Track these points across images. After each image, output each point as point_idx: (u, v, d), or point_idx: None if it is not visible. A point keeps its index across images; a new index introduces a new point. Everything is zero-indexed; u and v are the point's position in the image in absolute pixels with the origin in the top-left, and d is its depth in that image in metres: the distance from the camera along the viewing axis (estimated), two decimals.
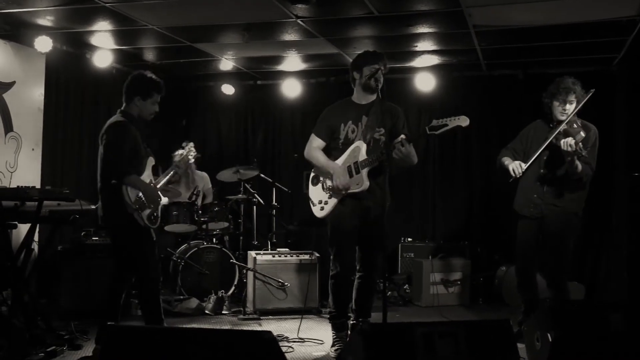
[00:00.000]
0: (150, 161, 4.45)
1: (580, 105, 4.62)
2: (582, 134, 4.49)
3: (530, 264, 4.88)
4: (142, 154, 4.35)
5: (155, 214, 4.33)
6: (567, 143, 4.40)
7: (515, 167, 4.67)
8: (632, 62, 6.32)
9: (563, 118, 4.63)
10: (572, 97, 4.62)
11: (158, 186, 4.48)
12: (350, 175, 4.35)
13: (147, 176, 4.37)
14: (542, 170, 4.72)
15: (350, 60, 4.71)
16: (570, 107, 4.63)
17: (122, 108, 4.35)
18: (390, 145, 4.22)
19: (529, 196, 4.78)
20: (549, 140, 4.58)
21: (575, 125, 4.57)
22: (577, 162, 4.45)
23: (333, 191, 4.40)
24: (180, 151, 5.19)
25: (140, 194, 4.20)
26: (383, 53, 4.48)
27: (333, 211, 4.41)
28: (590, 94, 4.61)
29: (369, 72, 4.32)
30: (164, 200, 4.61)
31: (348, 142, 4.41)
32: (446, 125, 4.04)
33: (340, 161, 4.41)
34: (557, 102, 4.66)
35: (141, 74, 4.40)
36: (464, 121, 4.03)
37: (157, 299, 4.29)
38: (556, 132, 4.55)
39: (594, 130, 4.69)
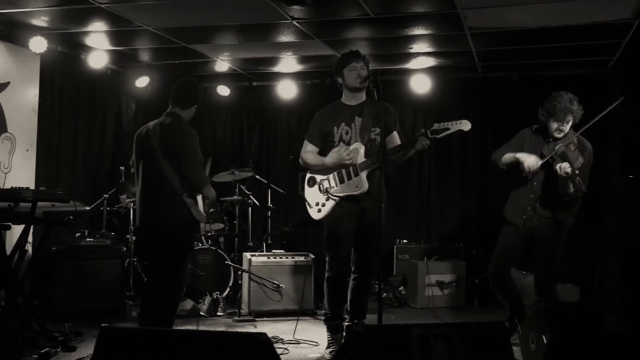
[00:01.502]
0: None
1: (595, 120, 4.53)
2: (581, 159, 4.44)
3: (504, 268, 4.88)
4: None
5: None
6: (562, 168, 4.34)
7: (533, 163, 4.51)
8: (626, 64, 6.33)
9: (560, 136, 4.60)
10: (570, 118, 4.56)
11: None
12: (349, 178, 4.35)
13: None
14: (535, 185, 4.69)
15: None
16: (567, 127, 4.59)
17: (177, 112, 4.38)
18: (385, 144, 4.23)
19: (522, 208, 4.75)
20: (546, 159, 4.51)
21: (572, 147, 4.50)
22: (570, 185, 4.41)
23: (331, 191, 4.38)
24: None
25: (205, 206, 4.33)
26: (358, 50, 4.49)
27: (330, 213, 4.40)
28: (620, 100, 4.55)
29: (349, 73, 4.35)
30: None
31: (343, 144, 4.40)
32: (448, 129, 4.06)
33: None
34: (554, 124, 4.57)
35: (197, 82, 4.52)
36: (465, 125, 4.04)
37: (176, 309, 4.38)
38: (553, 153, 4.48)
39: (589, 150, 4.64)
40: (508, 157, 4.76)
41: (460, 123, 4.05)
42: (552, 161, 4.50)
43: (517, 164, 4.65)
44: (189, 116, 4.46)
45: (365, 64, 4.39)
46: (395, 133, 4.47)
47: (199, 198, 4.33)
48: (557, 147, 4.48)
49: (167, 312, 4.24)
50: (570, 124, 4.60)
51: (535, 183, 4.69)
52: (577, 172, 4.35)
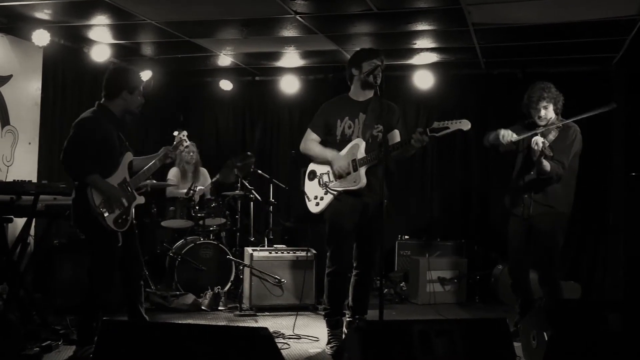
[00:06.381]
0: (128, 157, 4.27)
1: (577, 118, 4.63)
2: (554, 132, 4.58)
3: (522, 264, 4.89)
4: (115, 151, 4.17)
5: (124, 217, 4.12)
6: (535, 142, 4.47)
7: (506, 133, 4.65)
8: (630, 61, 6.32)
9: (543, 123, 4.70)
10: (544, 103, 4.67)
11: (142, 182, 4.38)
12: (348, 173, 4.34)
13: (121, 174, 4.18)
14: (531, 172, 4.73)
15: (349, 57, 4.70)
16: (547, 111, 4.68)
17: (101, 102, 4.23)
18: (386, 142, 4.22)
19: (519, 196, 4.80)
20: (524, 136, 4.65)
21: (555, 132, 4.64)
22: (544, 162, 4.48)
23: (330, 186, 4.38)
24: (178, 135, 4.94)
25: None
26: (380, 50, 4.48)
27: (330, 208, 4.39)
28: (611, 107, 4.60)
29: (369, 67, 4.31)
30: (139, 199, 4.35)
31: (345, 138, 4.40)
32: (447, 128, 4.05)
33: None
34: (533, 112, 4.72)
35: (124, 67, 4.32)
36: (465, 125, 4.03)
37: (93, 305, 4.16)
38: (532, 132, 4.62)
39: (573, 129, 4.70)
40: (492, 136, 4.81)
41: (460, 122, 4.04)
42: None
43: (498, 139, 4.70)
44: (122, 105, 4.21)
45: (383, 65, 4.36)
46: (396, 131, 4.46)
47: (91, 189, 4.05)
48: (538, 130, 4.62)
49: (89, 300, 4.14)
50: (549, 109, 4.68)
51: (531, 172, 4.71)
52: (547, 144, 4.44)
